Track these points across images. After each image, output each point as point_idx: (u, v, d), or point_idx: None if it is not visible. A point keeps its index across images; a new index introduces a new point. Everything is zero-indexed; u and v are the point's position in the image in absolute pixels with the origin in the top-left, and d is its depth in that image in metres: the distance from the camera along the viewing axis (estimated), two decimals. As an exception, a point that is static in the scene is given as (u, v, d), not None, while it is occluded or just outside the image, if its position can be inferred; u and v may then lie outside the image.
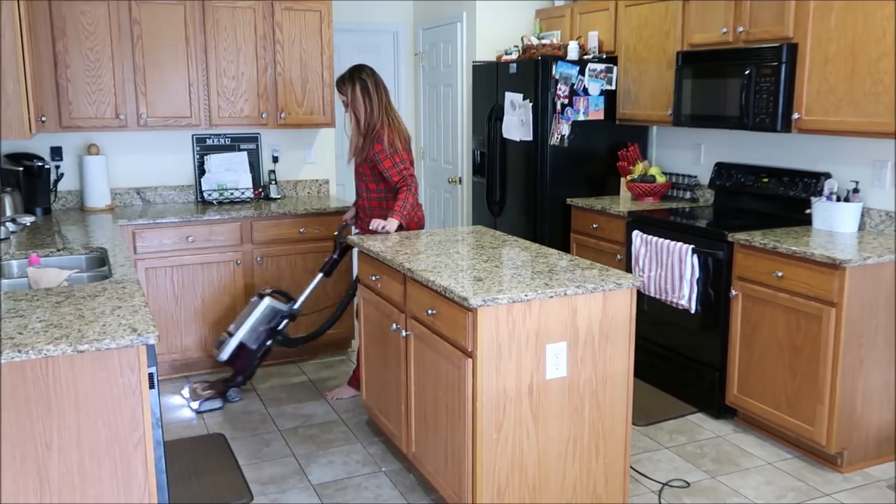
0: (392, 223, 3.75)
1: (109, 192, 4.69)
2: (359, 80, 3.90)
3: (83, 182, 4.62)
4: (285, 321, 4.17)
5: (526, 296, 2.62)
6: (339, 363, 4.83)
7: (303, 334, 4.38)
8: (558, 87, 4.80)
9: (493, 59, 5.58)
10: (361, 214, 4.12)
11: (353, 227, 4.33)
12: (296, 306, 4.19)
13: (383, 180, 3.94)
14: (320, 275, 4.22)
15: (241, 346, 4.09)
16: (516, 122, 5.02)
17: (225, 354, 4.08)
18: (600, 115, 4.96)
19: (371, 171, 3.95)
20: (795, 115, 3.72)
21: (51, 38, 4.26)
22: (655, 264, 4.12)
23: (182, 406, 4.15)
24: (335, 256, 4.25)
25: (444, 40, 6.06)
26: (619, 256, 4.51)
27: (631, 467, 3.42)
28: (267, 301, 4.12)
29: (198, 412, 4.06)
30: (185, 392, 4.27)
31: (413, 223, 3.93)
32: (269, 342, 4.16)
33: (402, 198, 3.83)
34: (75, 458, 2.12)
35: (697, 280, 3.91)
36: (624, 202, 4.77)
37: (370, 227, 3.77)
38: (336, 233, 4.44)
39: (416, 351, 3.08)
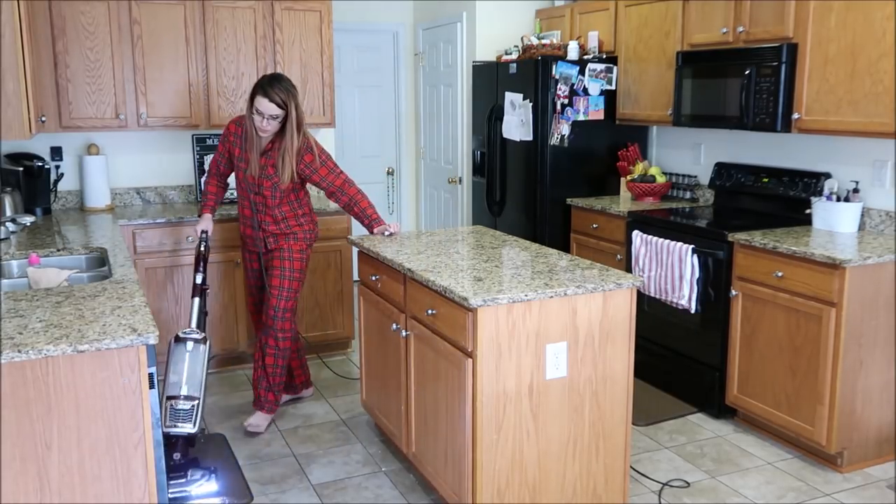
0: (394, 226, 3.70)
1: (109, 192, 4.69)
2: (294, 89, 3.60)
3: (83, 182, 4.62)
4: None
5: (526, 296, 2.62)
6: (340, 363, 4.83)
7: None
8: (558, 87, 4.80)
9: (493, 59, 5.58)
10: (273, 227, 3.80)
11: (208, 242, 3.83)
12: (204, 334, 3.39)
13: (298, 192, 3.79)
14: (197, 299, 3.50)
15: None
16: (516, 122, 5.02)
17: (195, 425, 3.15)
18: (600, 115, 4.96)
19: (292, 184, 3.73)
20: (795, 115, 3.72)
21: (51, 38, 4.26)
22: (655, 264, 4.12)
23: None
24: (204, 274, 3.62)
25: (444, 40, 6.06)
26: (619, 256, 4.51)
27: (631, 467, 3.42)
28: (206, 345, 3.27)
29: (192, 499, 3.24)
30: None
31: (313, 232, 3.90)
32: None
33: (367, 203, 3.74)
34: (75, 458, 2.11)
35: (697, 280, 3.91)
36: (624, 202, 4.77)
37: (376, 234, 3.64)
38: (201, 248, 3.74)
39: (416, 351, 3.08)
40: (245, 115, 3.70)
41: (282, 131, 3.63)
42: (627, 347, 2.86)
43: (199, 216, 3.97)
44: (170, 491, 3.09)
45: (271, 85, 3.53)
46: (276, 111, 3.53)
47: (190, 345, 3.25)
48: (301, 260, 3.83)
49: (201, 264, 3.63)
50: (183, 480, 3.18)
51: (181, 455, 3.18)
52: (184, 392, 3.15)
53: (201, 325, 3.49)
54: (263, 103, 3.52)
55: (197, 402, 3.14)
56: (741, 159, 4.51)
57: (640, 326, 4.25)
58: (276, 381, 3.84)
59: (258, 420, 3.84)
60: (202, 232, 3.86)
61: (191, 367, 3.21)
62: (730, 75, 4.01)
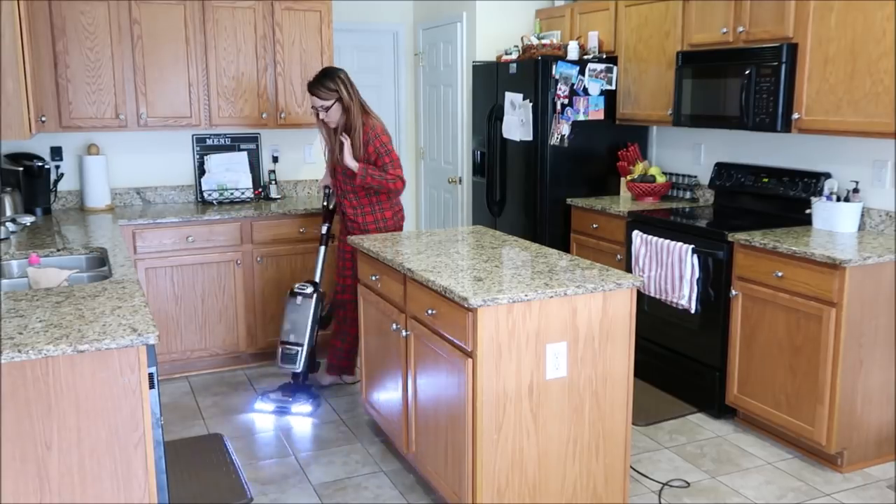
0: (350, 161, 3.92)
1: (109, 192, 4.69)
2: (341, 80, 3.95)
3: (83, 182, 4.62)
4: (323, 309, 4.22)
5: (526, 296, 2.62)
6: (339, 363, 4.83)
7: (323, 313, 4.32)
8: (558, 87, 4.80)
9: (493, 59, 5.58)
10: (352, 216, 4.13)
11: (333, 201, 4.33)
12: (321, 289, 4.18)
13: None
14: (322, 248, 4.23)
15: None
16: (516, 122, 5.02)
17: (300, 365, 4.02)
18: (600, 115, 4.96)
19: (343, 166, 4.02)
20: (795, 115, 3.72)
21: (51, 38, 4.26)
22: (655, 264, 4.12)
23: (265, 414, 4.04)
24: (329, 225, 4.27)
25: (444, 40, 6.06)
26: (619, 256, 4.51)
27: (631, 467, 3.42)
28: (313, 300, 4.04)
29: (290, 414, 4.02)
30: (265, 404, 4.08)
31: (391, 224, 4.12)
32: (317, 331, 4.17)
33: (383, 174, 3.94)
34: (75, 458, 2.12)
35: (697, 280, 3.91)
36: (624, 202, 4.77)
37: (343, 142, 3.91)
38: (324, 203, 4.31)
39: (416, 351, 3.08)
40: None
41: (346, 121, 4.01)
42: (627, 347, 2.86)
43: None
44: (278, 405, 4.03)
45: (313, 80, 3.98)
46: (322, 102, 3.93)
47: (299, 299, 4.03)
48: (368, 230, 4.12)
49: (328, 217, 4.27)
50: (290, 399, 4.03)
51: (294, 382, 4.11)
52: (291, 339, 4.01)
53: (327, 243, 4.27)
54: (310, 98, 4.01)
55: (302, 347, 4.00)
56: (741, 159, 4.51)
57: (640, 326, 4.25)
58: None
59: (330, 379, 4.41)
60: (325, 187, 4.31)
61: (298, 318, 4.02)
62: (730, 75, 4.01)
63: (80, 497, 2.14)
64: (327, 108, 3.94)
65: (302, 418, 3.99)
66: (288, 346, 4.02)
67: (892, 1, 3.25)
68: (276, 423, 3.95)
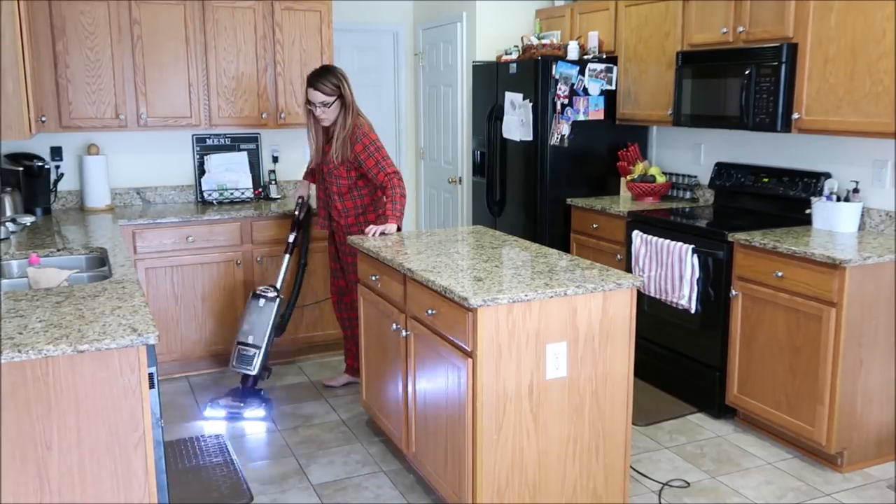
0: (390, 227, 3.72)
1: (109, 192, 4.69)
2: (342, 77, 3.88)
3: (83, 182, 4.62)
4: (283, 314, 4.22)
5: (526, 296, 2.62)
6: (339, 363, 4.83)
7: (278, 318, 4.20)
8: (558, 87, 4.80)
9: (493, 59, 5.58)
10: (337, 218, 4.06)
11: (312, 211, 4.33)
12: (282, 295, 4.14)
13: (363, 179, 3.97)
14: (287, 256, 4.21)
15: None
16: (516, 122, 5.02)
17: (255, 368, 3.93)
18: (600, 115, 4.96)
19: (347, 172, 3.94)
20: (795, 115, 3.72)
21: (51, 38, 4.26)
22: (655, 264, 4.12)
23: (217, 420, 3.97)
24: (297, 234, 4.25)
25: (444, 40, 6.06)
26: (619, 256, 4.51)
27: (631, 467, 3.42)
28: (275, 304, 4.00)
29: (243, 419, 3.95)
30: (215, 410, 3.99)
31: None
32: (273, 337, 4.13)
33: (392, 198, 3.78)
34: (75, 458, 2.11)
35: (697, 280, 3.91)
36: (624, 202, 4.77)
37: (367, 233, 3.67)
38: (296, 212, 4.28)
39: (416, 351, 3.08)
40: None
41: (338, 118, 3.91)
42: (627, 347, 2.86)
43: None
44: (229, 410, 3.95)
45: (316, 75, 3.86)
46: (324, 98, 3.82)
47: (262, 301, 3.98)
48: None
49: (296, 227, 4.22)
50: (241, 404, 3.95)
51: (244, 386, 4.00)
52: (249, 340, 3.93)
53: (299, 279, 4.33)
54: (311, 93, 3.85)
55: (259, 350, 3.91)
56: (741, 159, 4.51)
57: (640, 326, 4.24)
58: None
59: (343, 380, 4.41)
60: (299, 198, 4.31)
61: (258, 320, 3.95)
62: (730, 75, 4.01)
63: (80, 497, 2.14)
64: (328, 105, 3.84)
65: (256, 423, 3.93)
66: (245, 348, 3.94)
67: (893, 1, 3.25)
68: (277, 422, 3.95)
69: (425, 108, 6.50)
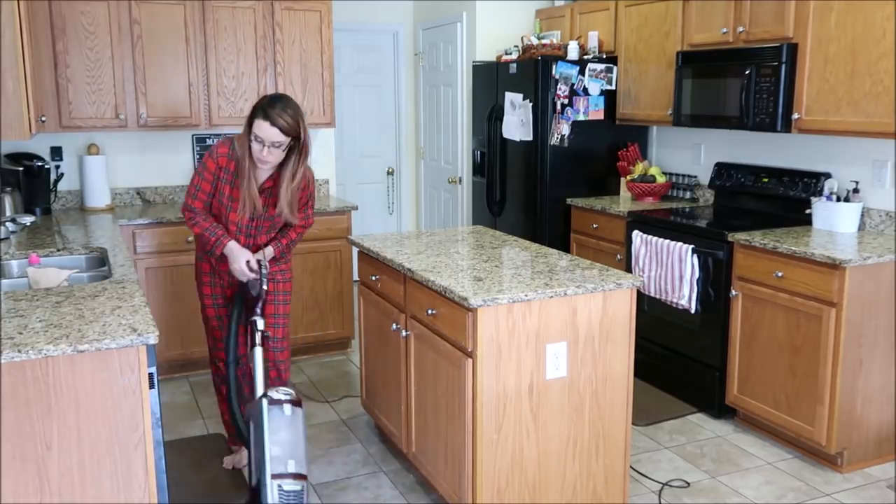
0: (269, 252, 3.20)
1: (109, 192, 4.69)
2: (301, 112, 3.04)
3: (83, 182, 4.62)
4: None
5: (526, 296, 2.62)
6: (339, 363, 4.83)
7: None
8: (558, 87, 4.80)
9: (493, 59, 5.58)
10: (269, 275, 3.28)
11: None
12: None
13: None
14: (259, 349, 2.95)
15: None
16: (516, 122, 5.02)
17: None
18: (600, 115, 4.96)
19: (272, 221, 3.21)
20: (795, 115, 3.72)
21: (51, 38, 4.26)
22: (655, 264, 4.12)
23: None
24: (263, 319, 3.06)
25: (444, 40, 6.06)
26: (619, 256, 4.51)
27: (631, 467, 3.42)
28: (303, 410, 2.72)
29: None
30: None
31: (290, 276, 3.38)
32: None
33: (291, 239, 3.28)
34: (75, 458, 2.11)
35: (697, 280, 3.91)
36: (624, 202, 4.77)
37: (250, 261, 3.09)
38: (260, 289, 3.11)
39: (416, 351, 3.08)
40: (234, 141, 3.09)
41: (284, 163, 3.07)
42: (627, 347, 2.86)
43: (223, 249, 3.11)
44: None
45: (273, 106, 2.93)
46: (281, 138, 2.94)
47: (288, 408, 2.66)
48: (291, 281, 3.39)
49: (259, 305, 3.04)
50: None
51: None
52: (291, 469, 2.62)
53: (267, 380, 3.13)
54: (265, 128, 2.91)
55: (306, 482, 2.63)
56: (741, 159, 4.51)
57: (640, 326, 4.25)
58: None
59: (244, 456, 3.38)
60: (257, 262, 3.12)
61: (293, 439, 2.66)
62: (730, 75, 4.01)
63: (80, 497, 2.14)
64: (280, 146, 2.97)
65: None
66: (287, 481, 2.58)
67: (893, 1, 3.25)
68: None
69: (425, 108, 6.50)
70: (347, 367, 4.76)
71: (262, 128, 2.93)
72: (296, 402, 2.68)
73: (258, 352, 2.92)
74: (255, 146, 2.98)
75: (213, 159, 3.11)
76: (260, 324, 2.98)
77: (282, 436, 2.64)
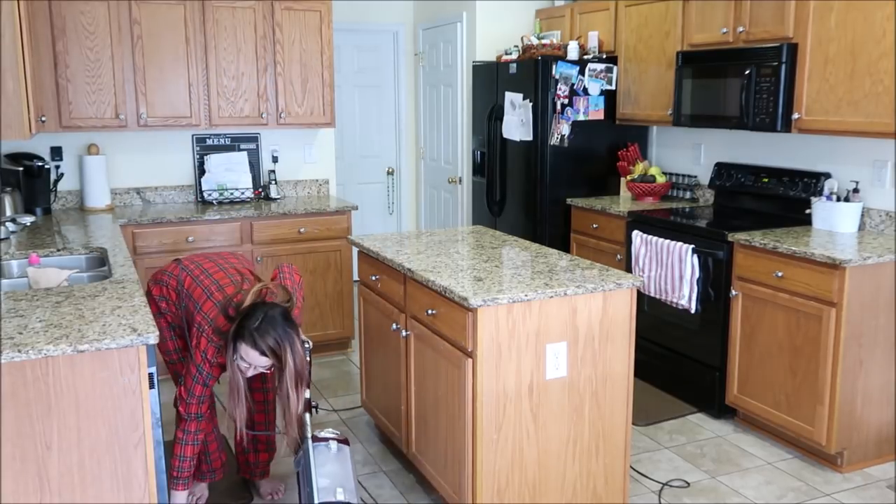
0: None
1: (109, 192, 4.69)
2: (293, 326, 2.63)
3: (83, 182, 4.62)
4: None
5: (526, 296, 2.62)
6: (339, 363, 4.83)
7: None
8: (558, 87, 4.80)
9: (493, 59, 5.58)
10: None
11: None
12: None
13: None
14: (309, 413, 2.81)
15: None
16: (516, 122, 5.02)
17: None
18: (600, 115, 4.96)
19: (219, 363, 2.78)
20: (795, 115, 3.72)
21: (51, 38, 4.26)
22: (655, 264, 4.12)
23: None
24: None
25: (444, 40, 6.06)
26: (619, 256, 4.51)
27: (631, 467, 3.42)
28: (349, 448, 2.86)
29: None
30: None
31: None
32: None
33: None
34: (75, 458, 2.11)
35: (697, 280, 3.91)
36: (624, 202, 4.77)
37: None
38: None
39: (416, 351, 3.08)
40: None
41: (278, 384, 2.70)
42: (627, 347, 2.86)
43: (176, 489, 2.78)
44: None
45: (260, 330, 2.54)
46: (266, 363, 2.61)
47: (334, 446, 2.74)
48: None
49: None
50: None
51: None
52: (340, 497, 2.64)
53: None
54: (252, 355, 2.57)
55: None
56: (741, 159, 4.51)
57: (640, 326, 4.25)
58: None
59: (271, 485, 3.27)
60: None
61: (341, 471, 2.70)
62: (730, 75, 4.01)
63: (80, 497, 2.14)
64: (270, 367, 2.66)
65: None
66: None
67: (892, 1, 3.25)
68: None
69: (425, 108, 6.50)
70: (347, 367, 4.76)
71: (249, 353, 2.58)
72: (342, 441, 2.78)
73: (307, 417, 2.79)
74: (241, 364, 2.63)
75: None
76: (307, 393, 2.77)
77: (329, 468, 2.70)
